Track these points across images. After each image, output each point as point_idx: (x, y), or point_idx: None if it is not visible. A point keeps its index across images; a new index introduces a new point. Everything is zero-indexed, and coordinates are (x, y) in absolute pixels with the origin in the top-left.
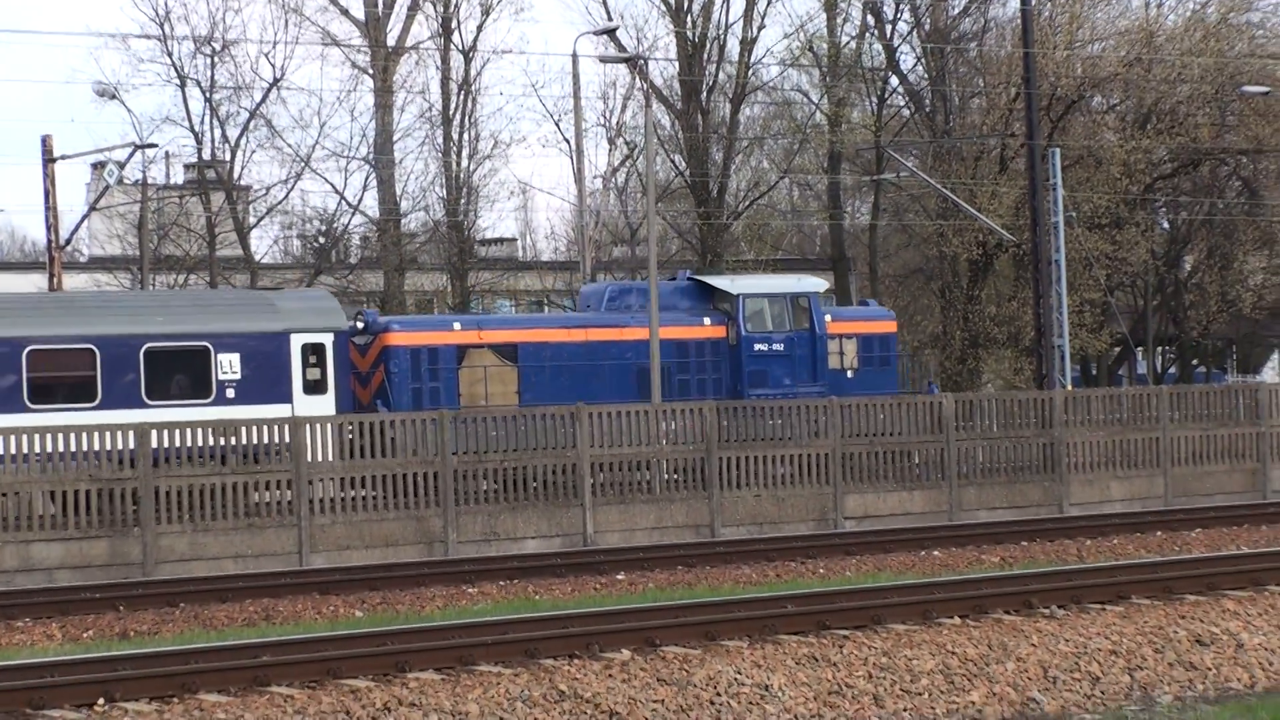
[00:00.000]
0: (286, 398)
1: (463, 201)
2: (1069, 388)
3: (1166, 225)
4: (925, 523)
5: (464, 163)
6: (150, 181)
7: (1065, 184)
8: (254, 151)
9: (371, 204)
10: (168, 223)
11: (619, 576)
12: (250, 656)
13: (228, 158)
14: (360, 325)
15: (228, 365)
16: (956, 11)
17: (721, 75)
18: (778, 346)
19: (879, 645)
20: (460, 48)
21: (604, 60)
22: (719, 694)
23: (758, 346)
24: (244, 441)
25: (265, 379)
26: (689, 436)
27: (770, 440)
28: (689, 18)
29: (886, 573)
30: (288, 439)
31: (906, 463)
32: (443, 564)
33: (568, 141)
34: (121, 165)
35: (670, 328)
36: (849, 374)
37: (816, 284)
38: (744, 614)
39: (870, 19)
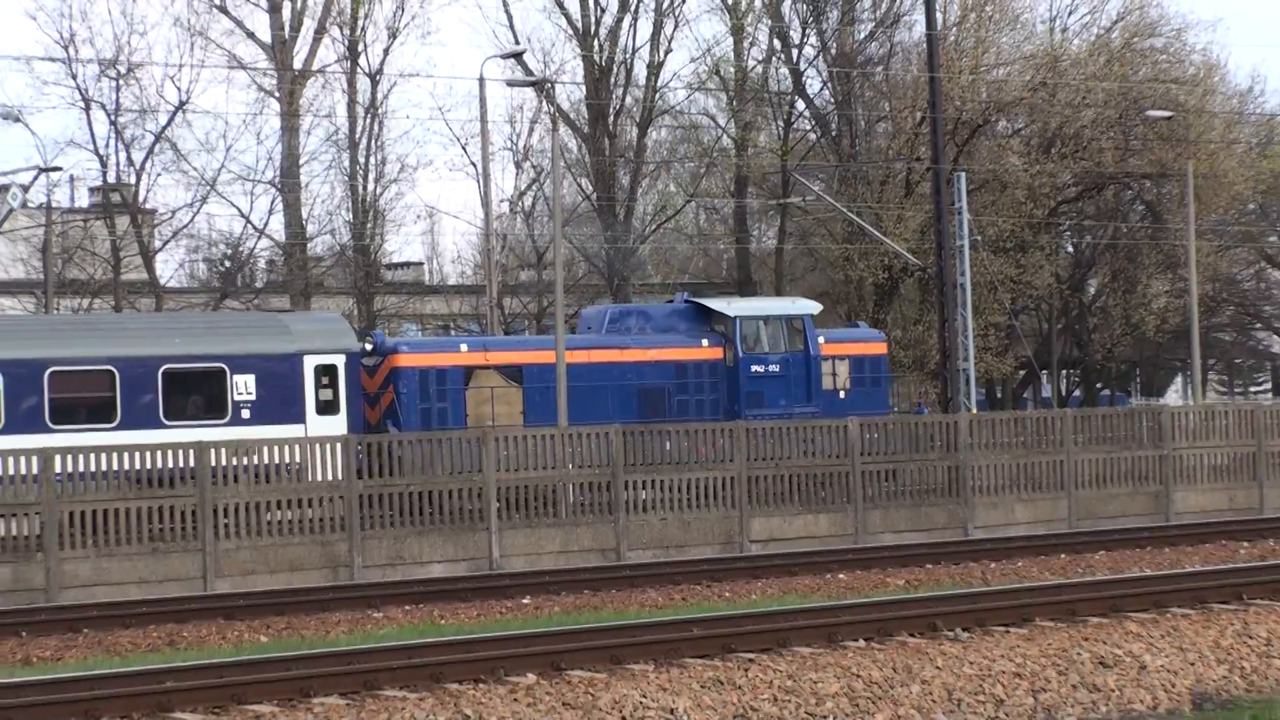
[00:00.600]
0: (300, 418)
1: (369, 225)
2: (973, 411)
3: (1071, 249)
4: (831, 546)
5: (370, 186)
6: (55, 205)
7: (970, 208)
8: (159, 175)
9: (278, 227)
10: (72, 246)
11: (525, 600)
12: (154, 682)
13: (133, 181)
14: (369, 347)
15: (243, 386)
16: (863, 36)
17: (628, 99)
18: (774, 367)
19: (784, 668)
20: (367, 71)
21: (511, 84)
22: (624, 718)
23: (754, 368)
24: (259, 461)
25: (279, 400)
26: (595, 460)
27: (676, 464)
28: (596, 42)
29: (792, 596)
30: (296, 459)
31: (813, 486)
32: (349, 588)
33: (474, 165)
34: (25, 189)
35: (669, 349)
36: (841, 394)
37: (810, 306)
38: (649, 638)
39: (777, 43)
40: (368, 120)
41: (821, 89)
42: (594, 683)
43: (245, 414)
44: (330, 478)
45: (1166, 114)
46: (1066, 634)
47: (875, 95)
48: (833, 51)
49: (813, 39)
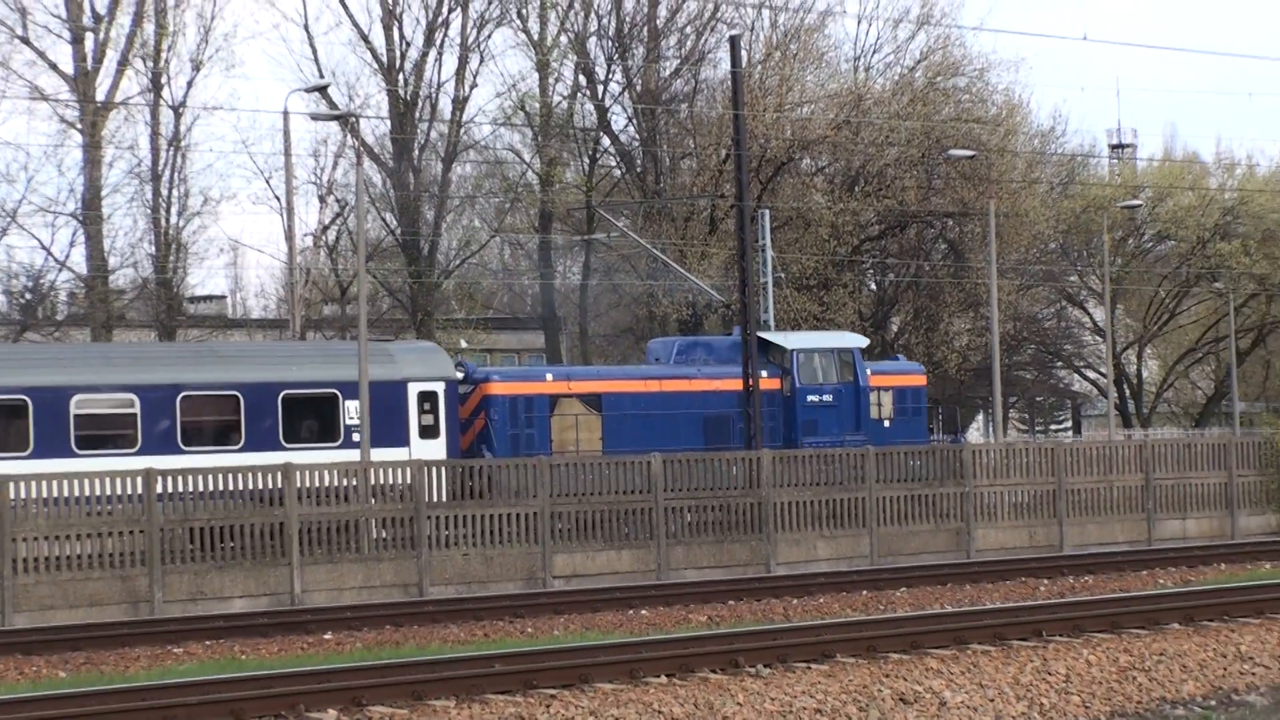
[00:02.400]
0: (404, 441)
1: (172, 258)
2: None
3: (874, 286)
4: (634, 582)
5: (173, 219)
6: None
7: (774, 245)
8: None
9: (79, 260)
10: None
11: (326, 636)
12: None
13: None
14: (460, 375)
15: (354, 411)
16: (668, 73)
17: (433, 134)
18: (827, 398)
19: (586, 704)
20: (170, 103)
21: (315, 118)
22: None
23: (810, 398)
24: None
25: (387, 424)
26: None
27: (479, 500)
28: (401, 76)
29: (595, 632)
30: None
31: (616, 522)
32: (149, 624)
33: (278, 199)
34: None
35: (731, 380)
36: (886, 423)
37: (858, 340)
38: (451, 673)
39: (582, 79)
40: (171, 153)
41: (626, 125)
42: (395, 719)
43: (356, 437)
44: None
45: (969, 153)
46: (867, 670)
47: (680, 132)
48: (638, 88)
49: (618, 75)
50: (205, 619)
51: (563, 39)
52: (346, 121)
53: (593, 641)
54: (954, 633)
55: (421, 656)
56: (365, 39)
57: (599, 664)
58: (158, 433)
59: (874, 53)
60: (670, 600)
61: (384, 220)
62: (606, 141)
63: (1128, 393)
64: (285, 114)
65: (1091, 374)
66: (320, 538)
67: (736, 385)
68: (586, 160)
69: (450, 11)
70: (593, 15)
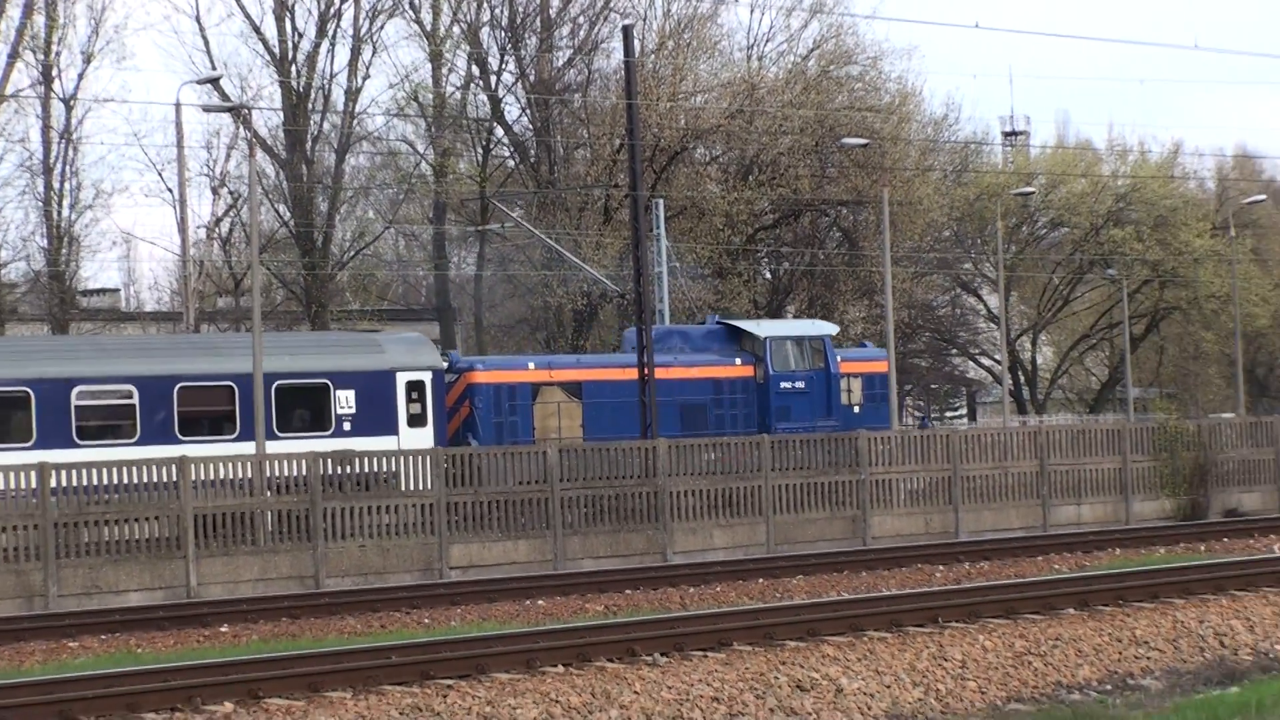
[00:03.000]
0: (393, 430)
1: (64, 251)
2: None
3: (769, 275)
4: (530, 572)
5: (65, 212)
6: None
7: (669, 234)
8: None
9: None
10: None
11: (223, 629)
12: None
13: None
14: (445, 365)
15: (344, 401)
16: (561, 63)
17: (326, 125)
18: (799, 384)
19: (483, 694)
20: (61, 96)
21: (208, 109)
22: None
23: (783, 384)
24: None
25: (375, 413)
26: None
27: (375, 491)
28: (293, 67)
29: (491, 622)
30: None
31: (513, 512)
32: (43, 618)
33: (171, 191)
34: None
35: (708, 368)
36: (855, 409)
37: (829, 328)
38: (348, 665)
39: (475, 70)
40: (62, 146)
41: (520, 116)
42: (291, 711)
43: (346, 426)
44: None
45: (862, 141)
46: (764, 658)
47: (574, 122)
48: (531, 78)
49: (511, 66)
50: (101, 613)
51: (455, 29)
52: (239, 113)
53: (489, 632)
54: (850, 620)
55: (318, 648)
56: (257, 30)
57: (495, 654)
58: (156, 423)
59: (767, 41)
60: (567, 590)
61: (277, 212)
62: (500, 132)
63: (1023, 379)
64: (178, 106)
65: (986, 361)
66: (216, 531)
67: (712, 373)
68: (480, 151)
69: (343, 3)
70: (485, 6)
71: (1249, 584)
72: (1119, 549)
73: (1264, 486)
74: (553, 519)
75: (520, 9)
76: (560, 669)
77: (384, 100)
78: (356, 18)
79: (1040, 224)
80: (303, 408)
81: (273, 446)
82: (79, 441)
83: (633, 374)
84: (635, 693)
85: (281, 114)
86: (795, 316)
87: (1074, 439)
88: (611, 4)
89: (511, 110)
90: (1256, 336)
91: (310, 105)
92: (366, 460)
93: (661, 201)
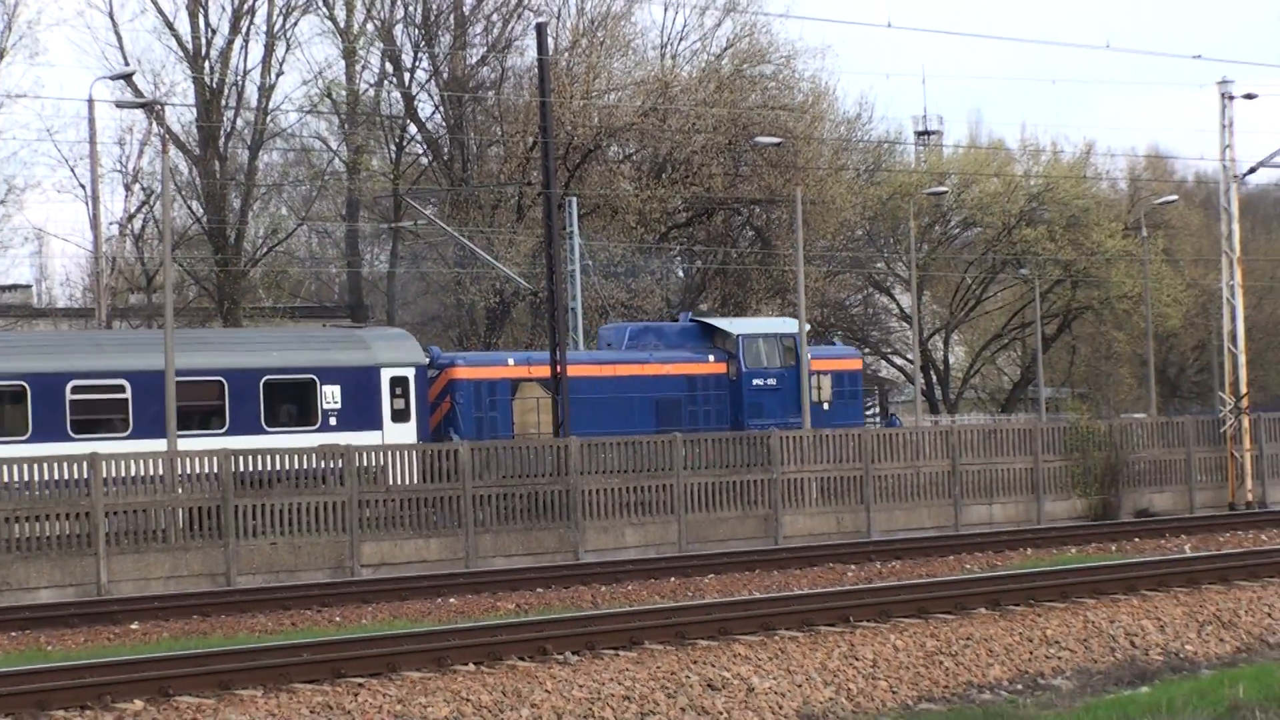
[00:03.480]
0: (378, 425)
1: None
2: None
3: (682, 273)
4: (442, 570)
5: None
6: None
7: (582, 232)
8: None
9: None
10: None
11: (133, 626)
12: None
13: None
14: (427, 361)
15: (330, 396)
16: (475, 60)
17: (240, 121)
18: (771, 381)
19: (394, 693)
20: None
21: (120, 105)
22: None
23: (755, 381)
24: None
25: (360, 408)
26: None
27: (288, 488)
28: (207, 64)
29: (403, 620)
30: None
31: (424, 510)
32: None
33: (84, 187)
34: None
35: (682, 364)
36: (825, 406)
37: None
38: (259, 663)
39: (389, 67)
40: None
41: (434, 113)
42: (202, 709)
43: (332, 421)
44: None
45: (775, 140)
46: (675, 657)
47: (487, 119)
48: (445, 75)
49: (425, 63)
50: (10, 610)
51: (369, 26)
52: (152, 109)
53: (401, 630)
54: (762, 619)
55: (229, 646)
56: (171, 26)
57: (406, 652)
58: (148, 417)
59: (681, 40)
60: (479, 588)
61: (190, 208)
62: (413, 129)
63: (935, 379)
64: (90, 102)
65: (899, 360)
66: (127, 527)
67: (686, 369)
68: (393, 148)
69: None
70: (399, 3)
71: (1160, 584)
72: (1030, 549)
73: (1175, 487)
74: (465, 517)
75: (434, 6)
76: (471, 667)
77: (297, 97)
78: (270, 14)
79: (953, 223)
80: (290, 403)
81: (262, 441)
82: (74, 435)
83: (609, 370)
84: (547, 691)
85: (195, 110)
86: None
87: (986, 439)
88: (525, 2)
89: (425, 107)
90: (1168, 337)
91: (224, 102)
92: (278, 458)
93: (575, 199)
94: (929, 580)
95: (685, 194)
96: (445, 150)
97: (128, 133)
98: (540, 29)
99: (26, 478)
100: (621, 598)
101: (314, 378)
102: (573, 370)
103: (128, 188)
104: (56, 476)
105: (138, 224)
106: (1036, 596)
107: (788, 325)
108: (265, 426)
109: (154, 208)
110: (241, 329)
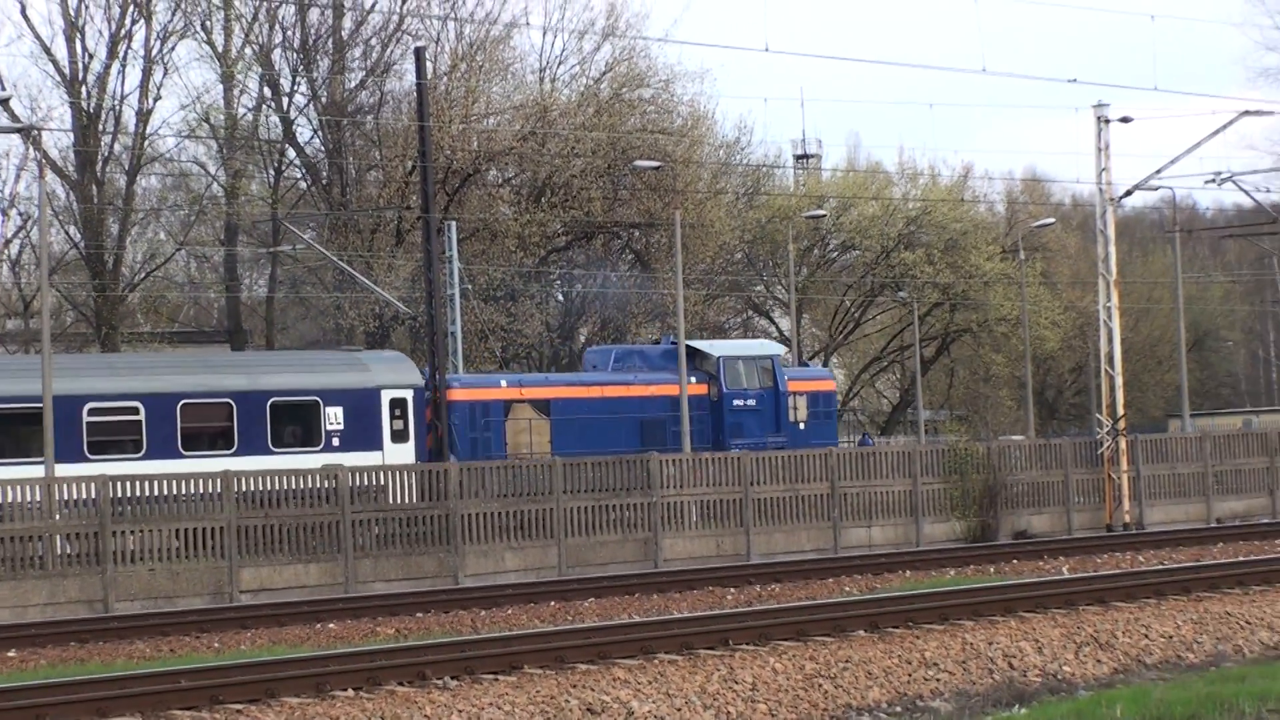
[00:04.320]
0: (378, 445)
1: None
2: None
3: (561, 298)
4: (322, 595)
5: None
6: None
7: (461, 256)
8: None
9: None
10: None
11: (10, 654)
12: None
13: None
14: (423, 382)
15: (333, 417)
16: (354, 85)
17: (118, 146)
18: (751, 402)
19: (272, 719)
20: None
21: None
22: None
23: (736, 402)
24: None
25: (362, 429)
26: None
27: (165, 515)
28: (84, 88)
29: (281, 646)
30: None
31: (304, 535)
32: None
33: None
34: None
35: (666, 385)
36: (801, 426)
37: (778, 348)
38: (136, 689)
39: (267, 91)
40: None
41: (312, 137)
42: None
43: (336, 442)
44: None
45: (655, 164)
46: (555, 681)
47: (366, 144)
48: (323, 100)
49: (303, 87)
50: None
51: (247, 51)
52: (29, 134)
53: (279, 655)
54: (641, 642)
55: (106, 673)
56: (48, 51)
57: (285, 678)
58: (161, 438)
59: (560, 64)
60: (358, 613)
61: (68, 233)
62: (292, 153)
63: None
64: None
65: None
66: (4, 554)
67: (669, 390)
68: (272, 172)
69: (134, 23)
70: (277, 27)
71: (1038, 606)
72: (909, 571)
73: (1053, 508)
74: (344, 541)
75: (312, 30)
76: (350, 693)
77: (175, 121)
78: (148, 39)
79: (832, 246)
80: (295, 424)
81: (268, 462)
82: (90, 456)
83: (598, 392)
84: (426, 716)
85: (72, 135)
86: (587, 339)
87: (864, 461)
88: (404, 26)
89: (304, 132)
90: (1046, 359)
91: (101, 126)
92: (156, 483)
93: (454, 224)
94: (808, 603)
95: (565, 218)
96: (324, 174)
97: (4, 158)
98: (419, 53)
99: None
100: (501, 622)
101: (318, 399)
102: (561, 392)
103: (4, 213)
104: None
105: (14, 249)
106: (915, 619)
107: (767, 348)
108: (272, 448)
109: (31, 233)
110: (248, 352)
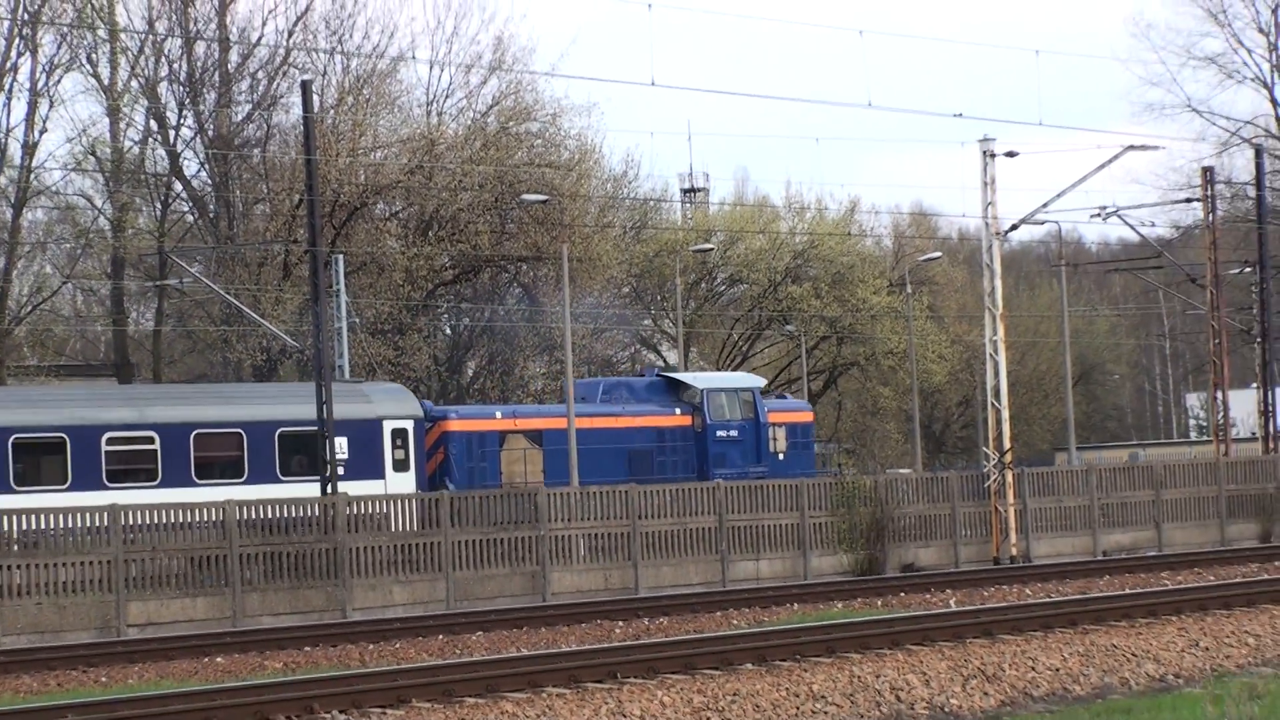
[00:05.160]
0: (381, 474)
1: None
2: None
3: (449, 331)
4: (209, 629)
5: None
6: None
7: (349, 290)
8: None
9: None
10: None
11: None
12: None
13: None
14: (423, 413)
15: (340, 447)
16: (240, 118)
17: (3, 179)
18: (733, 433)
19: None
20: None
21: None
22: None
23: (719, 433)
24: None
25: (365, 459)
26: None
27: (51, 549)
28: None
29: (169, 680)
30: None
31: (192, 568)
32: None
33: None
34: None
35: (652, 417)
36: (780, 456)
37: (758, 381)
38: None
39: (154, 124)
40: None
41: (199, 170)
42: None
43: (340, 471)
44: None
45: (542, 198)
46: (443, 715)
47: (253, 177)
48: (210, 133)
49: (190, 120)
50: None
51: (134, 84)
52: None
53: (167, 690)
54: (529, 676)
55: None
56: None
57: (172, 713)
58: (175, 467)
59: (447, 97)
60: (246, 647)
61: None
62: (179, 186)
63: None
64: None
65: None
66: None
67: (655, 421)
68: (159, 206)
69: (19, 56)
70: (164, 60)
71: (925, 638)
72: (797, 604)
73: (940, 542)
74: (231, 575)
75: (199, 64)
76: None
77: (61, 155)
78: (34, 71)
79: (719, 280)
80: (301, 453)
81: (277, 490)
82: (108, 484)
83: (590, 423)
84: None
85: None
86: (474, 372)
87: (752, 494)
88: (290, 59)
89: (190, 165)
90: (933, 393)
91: None
92: (32, 517)
93: (341, 257)
94: (696, 636)
95: (452, 251)
96: (211, 208)
97: None
98: (305, 86)
99: None
100: (389, 656)
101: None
102: (551, 424)
103: None
104: None
105: None
106: (803, 652)
107: (748, 380)
108: (280, 476)
109: None
110: (260, 384)
